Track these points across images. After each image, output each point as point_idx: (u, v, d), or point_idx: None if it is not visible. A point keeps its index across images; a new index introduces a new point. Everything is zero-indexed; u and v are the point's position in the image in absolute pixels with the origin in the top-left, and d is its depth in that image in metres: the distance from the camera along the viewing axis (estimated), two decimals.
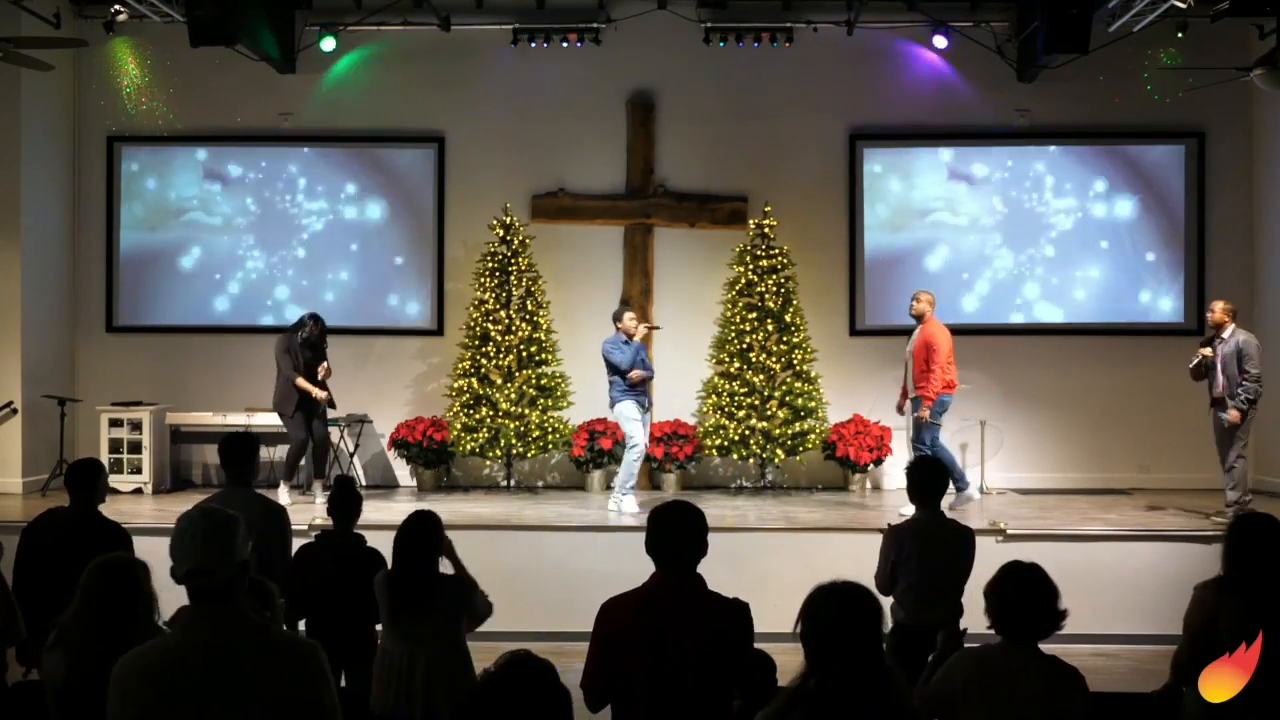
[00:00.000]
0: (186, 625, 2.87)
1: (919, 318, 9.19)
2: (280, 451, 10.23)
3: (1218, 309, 8.94)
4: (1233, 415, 8.68)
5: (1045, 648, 3.56)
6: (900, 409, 9.51)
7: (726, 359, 10.53)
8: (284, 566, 5.29)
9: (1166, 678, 4.44)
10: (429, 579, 4.56)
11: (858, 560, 5.73)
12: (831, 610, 2.86)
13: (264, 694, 2.76)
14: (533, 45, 10.91)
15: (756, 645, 3.68)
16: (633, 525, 8.46)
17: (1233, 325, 8.86)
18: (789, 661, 3.52)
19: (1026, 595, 3.51)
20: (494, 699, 2.68)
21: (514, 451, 10.53)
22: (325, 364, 9.70)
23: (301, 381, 9.51)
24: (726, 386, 10.46)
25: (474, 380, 10.49)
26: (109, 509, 5.84)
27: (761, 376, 10.43)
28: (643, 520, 3.79)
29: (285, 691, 2.78)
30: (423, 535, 4.62)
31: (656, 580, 3.63)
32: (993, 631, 3.60)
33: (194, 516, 2.94)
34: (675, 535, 3.64)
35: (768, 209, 10.73)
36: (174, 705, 2.76)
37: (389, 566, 5.31)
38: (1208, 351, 8.94)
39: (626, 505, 9.11)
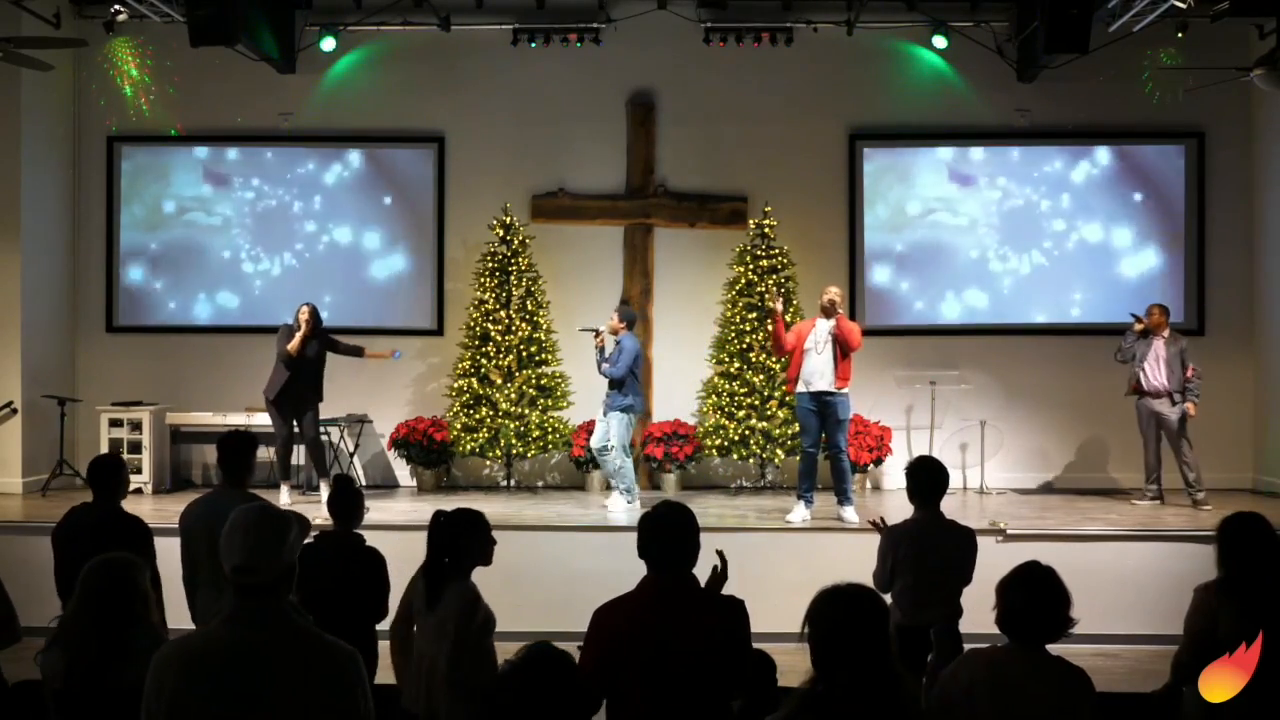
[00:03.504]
0: (227, 619, 2.84)
1: (836, 307, 8.78)
2: None
3: (1154, 311, 9.74)
4: (1193, 409, 9.52)
5: (1048, 647, 3.53)
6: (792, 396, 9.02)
7: (726, 359, 10.53)
8: None
9: (1166, 678, 4.44)
10: (446, 576, 4.47)
11: (858, 560, 5.72)
12: (838, 613, 2.84)
13: (298, 695, 2.74)
14: (533, 45, 10.90)
15: (756, 645, 3.66)
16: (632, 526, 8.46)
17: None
18: (789, 662, 3.51)
19: (1035, 598, 3.45)
20: (515, 689, 2.73)
21: (514, 451, 10.54)
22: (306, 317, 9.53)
23: (294, 345, 9.35)
24: (726, 386, 10.47)
25: (474, 380, 10.50)
26: None
27: (761, 376, 10.43)
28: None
29: (320, 695, 2.77)
30: (446, 531, 4.44)
31: (650, 583, 3.62)
32: (994, 631, 3.57)
33: (248, 514, 2.90)
34: (667, 537, 3.63)
35: (768, 209, 10.74)
36: (207, 699, 2.75)
37: (385, 566, 5.31)
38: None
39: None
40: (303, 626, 2.86)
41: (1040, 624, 3.44)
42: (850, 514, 8.72)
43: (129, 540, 4.95)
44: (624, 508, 9.24)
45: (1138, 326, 9.69)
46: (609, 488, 9.72)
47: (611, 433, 9.24)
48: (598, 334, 9.37)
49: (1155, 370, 9.56)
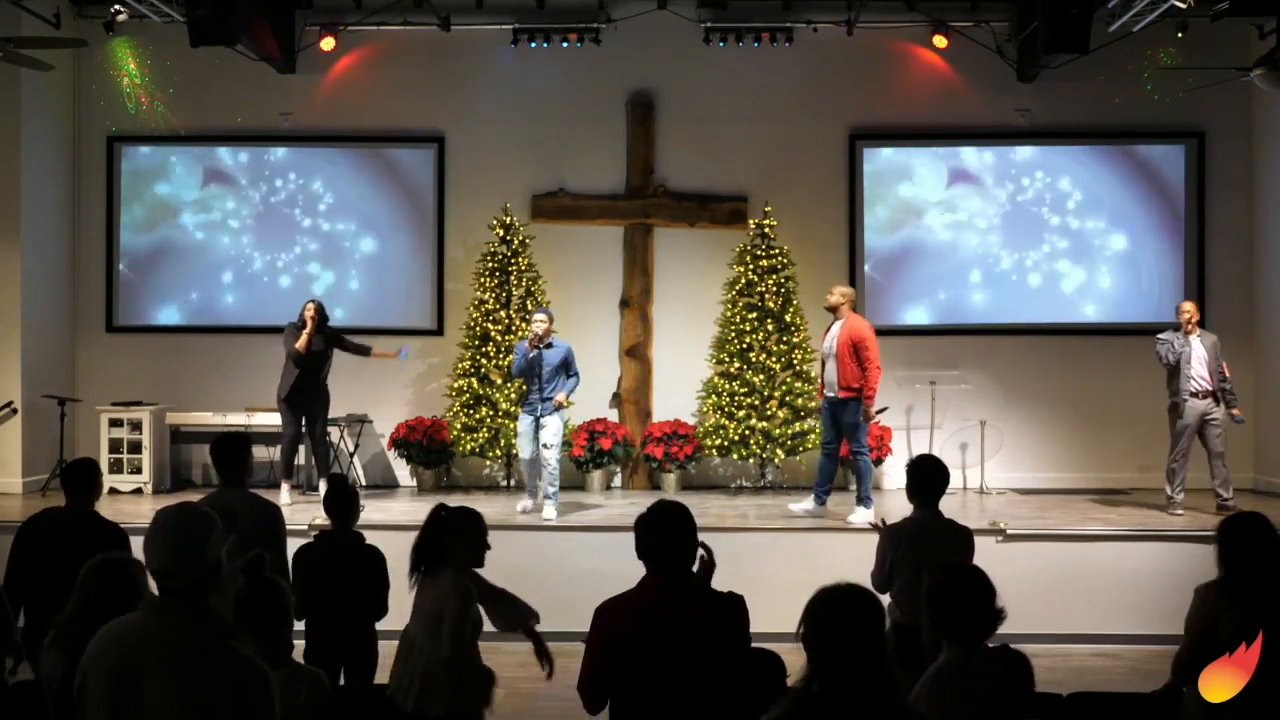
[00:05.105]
0: (147, 608, 2.89)
1: (834, 310, 8.84)
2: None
3: (1191, 308, 9.28)
4: (1240, 413, 9.23)
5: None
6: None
7: (726, 359, 10.54)
8: (280, 565, 5.23)
9: (1166, 678, 4.44)
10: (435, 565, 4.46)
11: (857, 560, 5.72)
12: (835, 613, 2.84)
13: (193, 696, 2.74)
14: (533, 45, 10.91)
15: (763, 646, 3.66)
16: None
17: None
18: (788, 662, 3.51)
19: (970, 599, 3.51)
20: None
21: (514, 452, 10.53)
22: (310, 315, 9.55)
23: (302, 342, 9.40)
24: (726, 386, 10.47)
25: (474, 380, 10.50)
26: (109, 508, 5.83)
27: (761, 376, 10.43)
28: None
29: (221, 703, 2.76)
30: (434, 530, 4.46)
31: (650, 582, 3.62)
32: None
33: (169, 517, 2.93)
34: (663, 536, 3.63)
35: (768, 209, 10.74)
36: (116, 683, 2.79)
37: (385, 564, 5.31)
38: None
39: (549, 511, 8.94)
40: (219, 637, 2.85)
41: (980, 623, 3.50)
42: (858, 517, 8.68)
43: (106, 545, 4.89)
44: (556, 513, 8.92)
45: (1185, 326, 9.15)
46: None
47: (557, 433, 9.03)
48: (534, 346, 8.98)
49: (1201, 370, 9.12)
